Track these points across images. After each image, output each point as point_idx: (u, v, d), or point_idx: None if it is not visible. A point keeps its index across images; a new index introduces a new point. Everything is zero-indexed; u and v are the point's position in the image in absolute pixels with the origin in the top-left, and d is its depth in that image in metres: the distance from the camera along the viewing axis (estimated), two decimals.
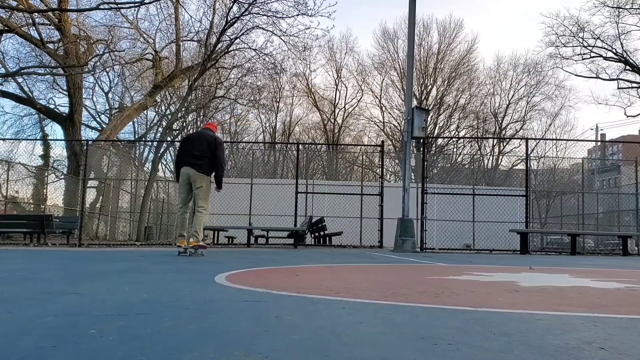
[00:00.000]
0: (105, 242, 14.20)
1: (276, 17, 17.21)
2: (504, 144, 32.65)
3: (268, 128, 34.12)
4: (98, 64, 18.94)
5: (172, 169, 7.82)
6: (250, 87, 21.26)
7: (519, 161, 28.20)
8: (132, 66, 21.33)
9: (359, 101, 34.82)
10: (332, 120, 34.51)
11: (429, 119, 23.38)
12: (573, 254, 11.86)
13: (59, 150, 24.42)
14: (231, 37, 17.64)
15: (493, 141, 32.63)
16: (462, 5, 64.89)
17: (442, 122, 33.27)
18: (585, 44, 22.43)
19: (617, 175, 31.90)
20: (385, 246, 12.35)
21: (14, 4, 15.00)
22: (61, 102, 22.45)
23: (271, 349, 1.26)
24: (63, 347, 1.25)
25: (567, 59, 23.29)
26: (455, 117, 33.51)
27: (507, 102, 34.02)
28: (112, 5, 16.02)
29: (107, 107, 26.07)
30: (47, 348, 1.24)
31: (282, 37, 17.86)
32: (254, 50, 18.23)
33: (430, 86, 33.29)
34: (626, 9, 21.07)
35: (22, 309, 1.90)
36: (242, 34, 17.59)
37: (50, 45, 16.76)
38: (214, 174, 6.54)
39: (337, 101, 34.66)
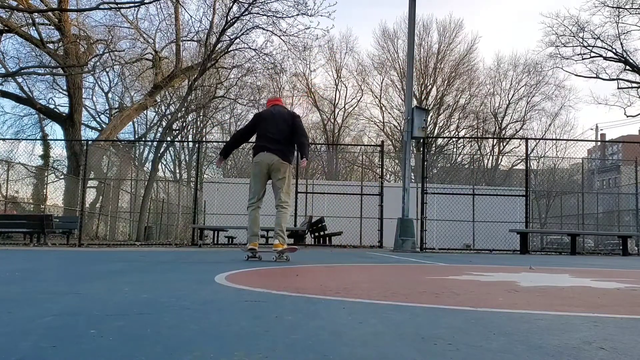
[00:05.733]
0: (105, 242, 14.20)
1: (276, 17, 17.24)
2: (504, 144, 32.66)
3: None
4: (98, 64, 18.96)
5: (224, 147, 6.17)
6: (250, 87, 21.28)
7: (519, 161, 28.19)
8: (132, 66, 21.34)
9: (358, 101, 34.90)
10: (332, 120, 34.52)
11: (428, 118, 23.37)
12: (573, 254, 11.86)
13: (58, 150, 24.47)
14: (231, 37, 17.67)
15: (493, 141, 32.65)
16: (462, 5, 64.92)
17: (442, 122, 33.29)
18: (585, 44, 22.45)
19: (617, 175, 31.90)
20: (385, 246, 12.35)
21: (14, 4, 15.01)
22: (61, 102, 22.48)
23: (271, 349, 1.26)
24: (63, 347, 1.25)
25: (567, 59, 23.34)
26: (455, 117, 33.55)
27: (507, 102, 34.06)
28: (112, 5, 16.03)
29: (107, 107, 26.12)
30: (47, 348, 1.24)
31: (282, 37, 17.89)
32: (254, 50, 18.26)
33: (430, 86, 33.30)
34: (626, 8, 21.09)
35: (22, 309, 1.89)
36: (242, 34, 17.62)
37: (50, 45, 16.76)
38: (296, 153, 5.59)
39: (337, 101, 34.74)
